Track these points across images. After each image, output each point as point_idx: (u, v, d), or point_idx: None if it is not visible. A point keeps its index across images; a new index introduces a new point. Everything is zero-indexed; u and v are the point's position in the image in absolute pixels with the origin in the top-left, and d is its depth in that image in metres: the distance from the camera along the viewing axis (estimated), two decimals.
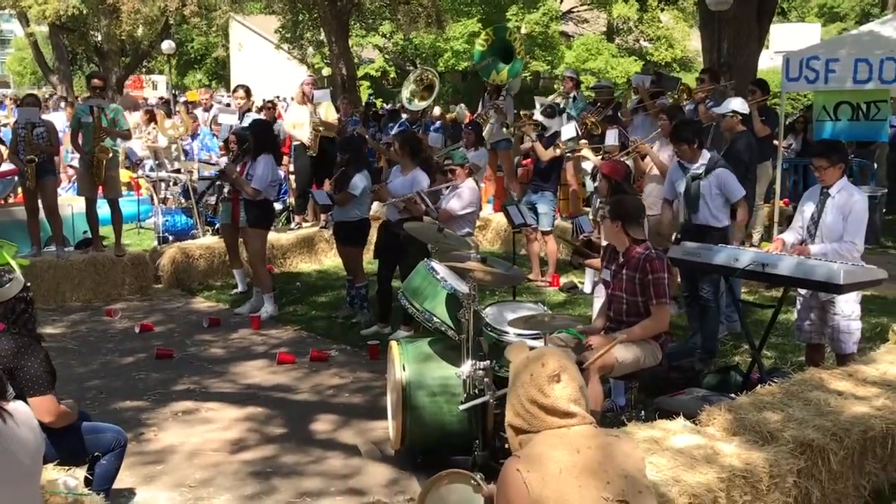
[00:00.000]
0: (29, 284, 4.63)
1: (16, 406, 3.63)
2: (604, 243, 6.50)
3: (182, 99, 24.18)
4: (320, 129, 11.65)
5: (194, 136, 14.78)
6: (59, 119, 15.25)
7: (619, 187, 7.05)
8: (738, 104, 8.32)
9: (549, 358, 3.07)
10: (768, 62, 22.26)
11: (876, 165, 14.65)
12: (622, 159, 8.46)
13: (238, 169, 9.17)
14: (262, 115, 12.55)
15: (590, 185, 11.44)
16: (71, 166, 14.55)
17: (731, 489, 4.36)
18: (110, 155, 9.94)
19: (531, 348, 3.36)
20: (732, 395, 5.70)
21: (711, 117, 9.52)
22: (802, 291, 6.34)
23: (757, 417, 4.99)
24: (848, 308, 6.19)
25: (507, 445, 5.47)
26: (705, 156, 7.48)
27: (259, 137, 9.32)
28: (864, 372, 5.71)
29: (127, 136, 11.06)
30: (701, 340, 7.43)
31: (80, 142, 10.17)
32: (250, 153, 9.18)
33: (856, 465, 4.87)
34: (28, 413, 3.68)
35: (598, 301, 6.88)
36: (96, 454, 4.71)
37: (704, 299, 7.39)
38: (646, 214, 6.38)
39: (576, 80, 13.07)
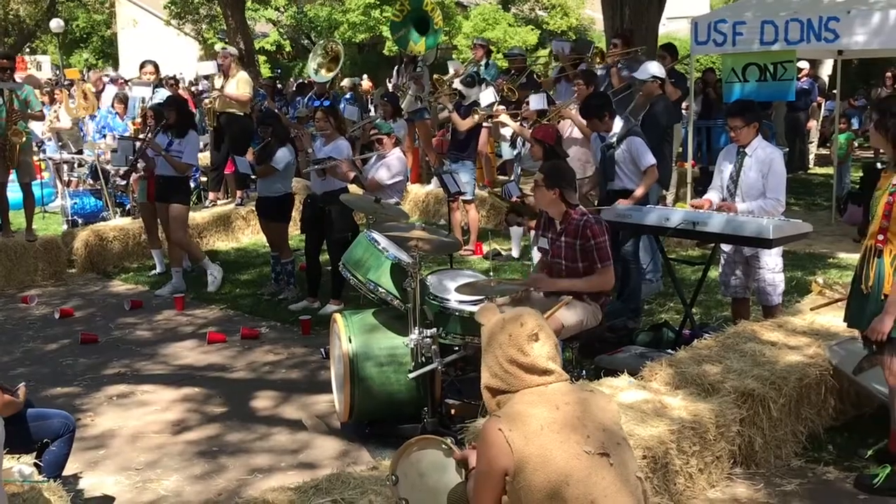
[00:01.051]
0: None
1: None
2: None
3: (66, 81, 23.34)
4: (213, 105, 11.45)
5: (92, 116, 14.33)
6: None
7: (553, 152, 7.13)
8: (655, 69, 8.50)
9: (527, 318, 3.13)
10: (661, 28, 22.70)
11: (774, 125, 15.14)
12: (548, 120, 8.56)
13: None
14: (166, 90, 12.26)
15: (506, 152, 11.57)
16: None
17: (681, 440, 4.52)
18: (24, 139, 9.57)
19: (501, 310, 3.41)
20: (669, 351, 5.89)
21: (624, 81, 9.69)
22: (726, 248, 6.54)
23: (697, 370, 5.17)
24: (772, 262, 6.42)
25: (453, 411, 5.59)
26: (618, 124, 7.62)
27: (182, 114, 9.20)
28: (793, 323, 5.95)
29: (40, 117, 10.68)
30: (626, 299, 7.60)
31: None
32: (172, 129, 9.01)
33: (793, 412, 5.10)
34: None
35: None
36: (45, 441, 4.59)
37: (625, 259, 7.55)
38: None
39: (486, 48, 13.13)
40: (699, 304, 7.82)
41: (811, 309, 6.23)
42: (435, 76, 12.37)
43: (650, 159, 7.35)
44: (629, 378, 5.15)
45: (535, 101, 9.31)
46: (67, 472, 5.03)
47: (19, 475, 4.07)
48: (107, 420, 6.10)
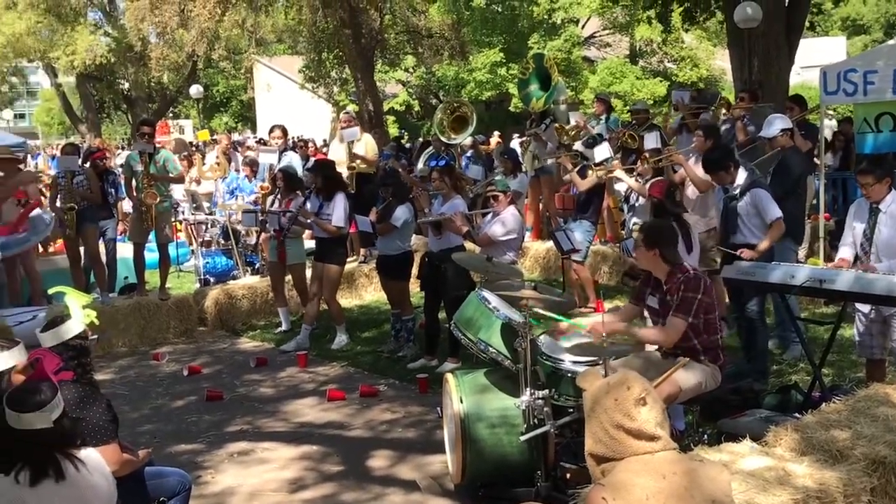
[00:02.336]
0: (93, 337, 4.64)
1: (87, 453, 3.64)
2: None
3: (197, 142, 24.41)
4: (354, 166, 11.69)
5: (223, 178, 14.91)
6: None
7: (663, 208, 6.98)
8: (781, 122, 8.26)
9: (634, 381, 3.04)
10: (795, 77, 22.14)
11: None
12: (659, 164, 8.40)
13: (284, 206, 9.30)
14: (297, 153, 12.64)
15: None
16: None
17: None
18: (157, 200, 10.00)
19: (603, 375, 3.32)
20: (796, 415, 5.61)
21: (749, 136, 9.46)
22: (863, 307, 6.24)
23: (825, 436, 4.89)
24: None
25: (568, 476, 5.45)
26: (741, 175, 7.41)
27: (329, 176, 9.46)
28: None
29: (179, 179, 11.16)
30: (752, 360, 7.33)
31: (133, 189, 10.26)
32: (320, 192, 9.32)
33: None
34: (99, 460, 3.69)
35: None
36: (161, 499, 4.70)
37: (750, 318, 7.29)
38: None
39: (607, 103, 13.05)
40: (832, 364, 7.47)
41: None
42: (556, 125, 12.34)
43: (776, 212, 7.11)
44: (752, 443, 4.91)
45: (650, 140, 9.17)
46: None
47: None
48: (227, 477, 6.21)
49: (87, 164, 10.67)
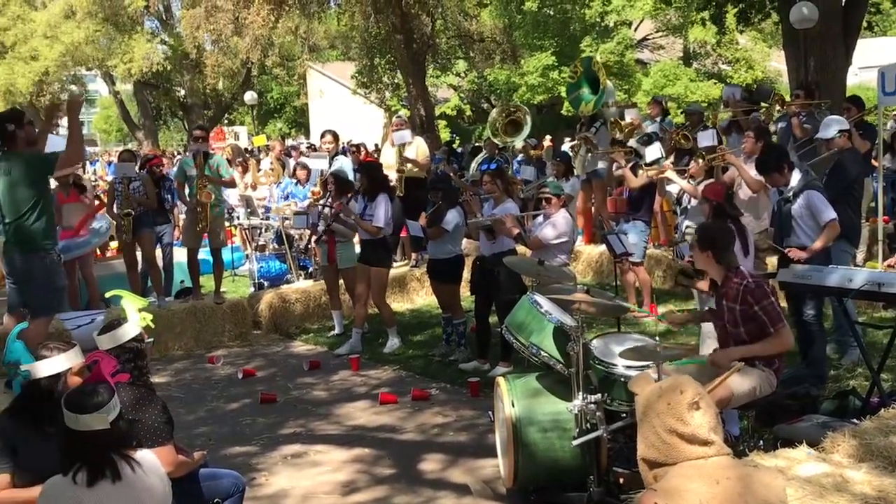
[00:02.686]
0: (149, 339, 4.71)
1: (143, 455, 3.69)
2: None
3: (252, 148, 24.70)
4: (404, 169, 11.73)
5: (277, 183, 15.08)
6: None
7: (722, 210, 6.89)
8: (838, 123, 8.12)
9: (687, 386, 3.02)
10: (853, 78, 21.73)
11: None
12: (712, 163, 8.31)
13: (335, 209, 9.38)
14: (348, 158, 12.72)
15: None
16: None
17: None
18: (212, 198, 10.13)
19: (656, 380, 3.29)
20: (854, 421, 5.50)
21: (806, 133, 9.30)
22: None
23: (884, 442, 4.79)
24: None
25: (621, 480, 5.41)
26: (795, 177, 7.29)
27: (374, 178, 9.50)
28: None
29: (231, 183, 11.30)
30: (809, 365, 7.21)
31: (186, 194, 10.41)
32: (366, 194, 9.37)
33: None
34: (155, 461, 3.74)
35: (707, 328, 6.74)
36: (216, 500, 4.75)
37: (807, 323, 7.17)
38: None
39: (662, 105, 12.94)
40: (891, 369, 7.30)
41: None
42: (612, 119, 12.27)
43: (830, 214, 6.98)
44: (808, 449, 4.83)
45: (704, 138, 9.06)
46: None
47: None
48: (280, 479, 6.26)
49: (144, 171, 10.84)
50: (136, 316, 4.74)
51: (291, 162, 15.19)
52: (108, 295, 5.49)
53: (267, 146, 19.92)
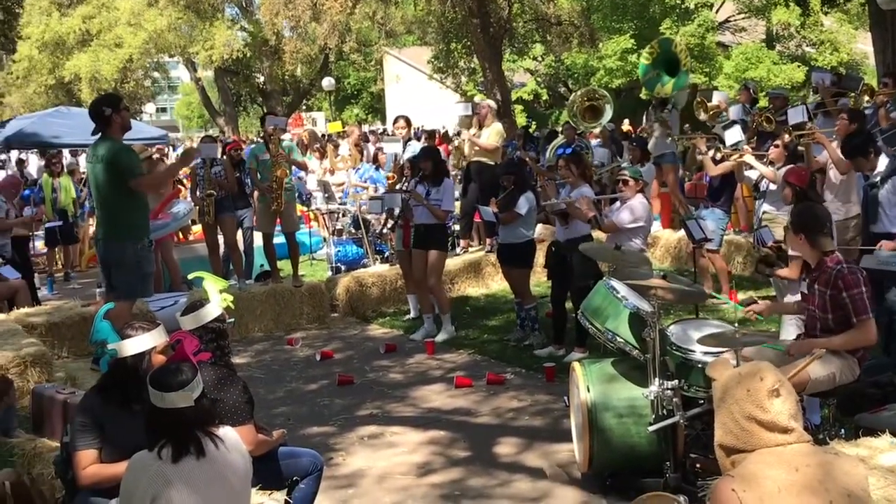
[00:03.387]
0: (231, 320, 4.82)
1: (225, 431, 3.77)
2: (791, 252, 6.26)
3: (328, 133, 24.97)
4: (465, 150, 11.71)
5: (355, 169, 15.22)
6: None
7: (805, 196, 6.75)
8: None
9: (767, 372, 2.98)
10: None
11: None
12: (800, 140, 8.14)
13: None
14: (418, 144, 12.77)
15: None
16: None
17: None
18: (288, 176, 10.25)
19: (735, 366, 3.26)
20: None
21: (891, 121, 9.04)
22: None
23: None
24: None
25: (698, 466, 5.37)
26: (883, 162, 7.11)
27: (437, 163, 9.55)
28: None
29: (303, 165, 11.43)
30: (892, 353, 7.03)
31: (259, 179, 10.57)
32: (428, 179, 9.40)
33: None
34: (237, 438, 3.82)
35: (787, 317, 6.63)
36: (294, 479, 4.85)
37: (890, 310, 6.99)
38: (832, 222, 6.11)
39: (750, 92, 12.71)
40: None
41: None
42: (698, 99, 12.07)
43: None
44: (891, 438, 4.73)
45: (795, 114, 8.85)
46: None
47: None
48: (357, 460, 6.36)
49: (224, 156, 11.04)
50: (217, 297, 4.86)
51: (371, 147, 15.28)
52: (190, 276, 5.63)
53: (343, 132, 20.09)
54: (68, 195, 14.14)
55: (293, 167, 10.68)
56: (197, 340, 4.46)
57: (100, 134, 7.31)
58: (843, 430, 5.46)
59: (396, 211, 9.85)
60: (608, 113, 12.50)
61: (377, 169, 14.01)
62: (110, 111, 7.25)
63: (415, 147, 11.66)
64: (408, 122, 12.52)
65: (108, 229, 7.41)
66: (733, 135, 9.52)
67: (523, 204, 8.64)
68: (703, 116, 11.74)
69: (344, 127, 24.93)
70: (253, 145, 12.99)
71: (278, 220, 10.64)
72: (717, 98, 12.41)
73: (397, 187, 10.38)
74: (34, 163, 21.01)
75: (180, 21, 34.03)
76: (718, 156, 9.63)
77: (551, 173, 10.32)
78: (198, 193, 10.76)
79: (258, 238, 11.24)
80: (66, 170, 15.15)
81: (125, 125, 7.42)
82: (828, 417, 5.74)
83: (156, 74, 43.37)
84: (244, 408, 4.56)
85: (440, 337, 9.39)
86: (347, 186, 14.23)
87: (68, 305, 9.72)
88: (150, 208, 10.36)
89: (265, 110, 36.43)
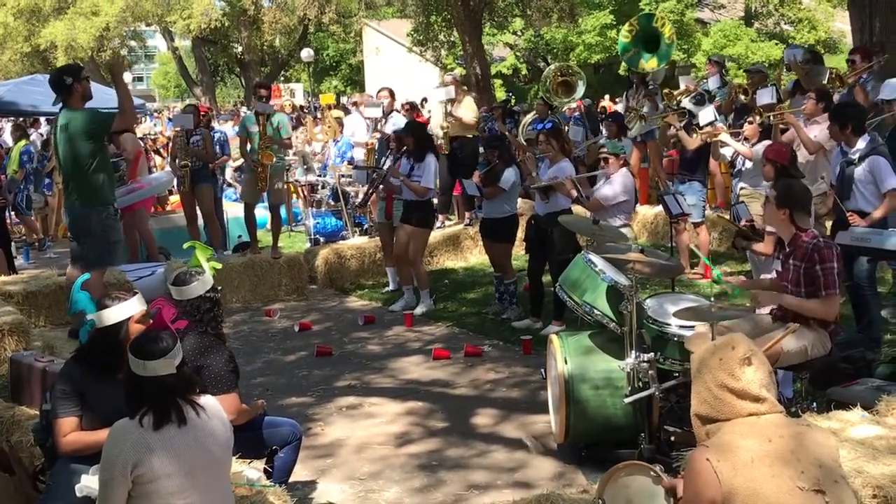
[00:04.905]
0: (219, 287, 4.84)
1: (206, 400, 3.80)
2: (768, 229, 6.32)
3: (315, 104, 24.82)
4: (446, 127, 11.73)
5: (335, 141, 15.14)
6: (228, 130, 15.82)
7: (787, 172, 6.80)
8: None
9: (738, 342, 3.05)
10: None
11: None
12: (770, 121, 8.20)
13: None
14: (403, 115, 12.75)
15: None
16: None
17: None
18: (273, 160, 10.24)
19: (711, 339, 3.32)
20: None
21: (872, 98, 9.11)
22: None
23: None
24: None
25: (672, 439, 5.45)
26: (864, 140, 7.17)
27: (420, 139, 9.54)
28: None
29: (288, 145, 11.43)
30: (864, 329, 7.13)
31: (248, 150, 10.52)
32: (411, 154, 9.38)
33: None
34: (217, 406, 3.85)
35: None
36: (274, 447, 4.89)
37: (862, 286, 7.08)
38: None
39: (720, 64, 12.74)
40: None
41: None
42: (665, 90, 12.13)
43: (892, 182, 6.86)
44: (862, 412, 4.83)
45: (763, 95, 8.92)
46: (297, 478, 5.33)
47: (248, 479, 4.34)
48: (336, 430, 6.40)
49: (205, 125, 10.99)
50: (207, 265, 4.88)
51: (352, 119, 15.17)
52: (185, 246, 5.63)
53: (329, 106, 20.01)
54: (11, 164, 13.60)
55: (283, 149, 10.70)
56: (174, 308, 4.48)
57: (62, 104, 7.32)
58: (814, 404, 5.55)
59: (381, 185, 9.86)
60: (580, 89, 12.55)
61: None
62: (71, 80, 7.26)
63: (397, 119, 11.64)
64: (391, 93, 12.51)
65: (74, 197, 7.42)
66: (707, 114, 9.61)
67: (508, 178, 8.68)
68: (672, 103, 11.74)
69: (337, 100, 24.78)
70: (246, 114, 12.91)
71: (261, 193, 10.61)
72: (685, 82, 12.52)
73: (381, 162, 10.37)
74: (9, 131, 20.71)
75: None
76: (695, 135, 9.70)
77: (530, 147, 10.34)
78: (177, 163, 10.71)
79: (236, 209, 11.22)
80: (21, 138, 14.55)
81: (86, 94, 7.41)
82: (800, 391, 5.83)
83: (132, 43, 42.85)
84: (229, 376, 4.60)
85: (418, 310, 9.42)
86: (328, 158, 14.18)
87: (45, 274, 9.69)
88: (116, 176, 10.39)
89: (243, 81, 36.24)
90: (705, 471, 2.89)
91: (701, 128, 9.61)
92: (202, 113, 11.30)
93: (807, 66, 10.43)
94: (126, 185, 10.31)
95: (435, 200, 12.26)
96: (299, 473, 5.41)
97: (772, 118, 8.76)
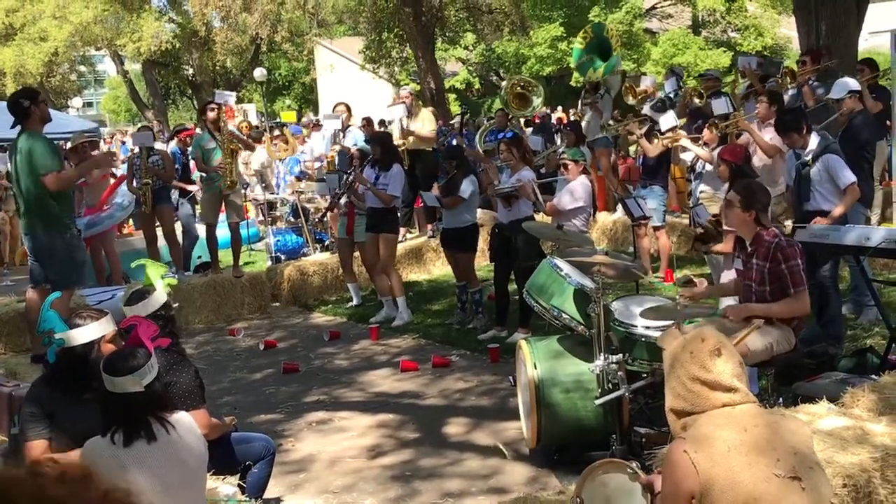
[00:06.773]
0: (175, 304, 4.80)
1: (179, 416, 3.77)
2: (727, 228, 6.42)
3: (270, 123, 24.73)
4: (404, 142, 11.77)
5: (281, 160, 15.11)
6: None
7: (742, 172, 6.91)
8: (851, 83, 8.13)
9: (708, 335, 3.10)
10: (863, 43, 21.47)
11: None
12: (727, 130, 8.32)
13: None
14: (361, 131, 12.76)
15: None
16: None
17: (886, 469, 4.25)
18: (237, 186, 10.21)
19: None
20: (873, 377, 5.57)
21: (817, 99, 9.30)
22: None
23: None
24: None
25: (643, 440, 5.49)
26: (814, 141, 7.30)
27: (387, 148, 9.57)
28: None
29: (250, 145, 11.40)
30: (825, 325, 7.25)
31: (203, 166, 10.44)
32: (378, 163, 9.42)
33: None
34: (191, 422, 3.82)
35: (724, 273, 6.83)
36: (247, 463, 4.86)
37: (823, 283, 7.21)
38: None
39: (678, 75, 12.94)
40: None
41: None
42: (626, 84, 12.27)
43: (849, 177, 6.99)
44: (829, 404, 4.91)
45: (719, 106, 9.06)
46: (270, 494, 5.29)
47: (224, 495, 4.31)
48: (307, 445, 6.37)
49: (174, 142, 10.90)
50: (160, 283, 4.84)
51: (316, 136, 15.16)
52: (133, 265, 5.57)
53: (285, 124, 19.94)
54: None
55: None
56: (155, 326, 4.44)
57: (20, 127, 7.27)
58: (781, 399, 5.63)
59: (343, 201, 9.84)
60: (536, 103, 12.68)
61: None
62: (28, 103, 7.22)
63: (355, 133, 11.65)
64: (348, 108, 12.53)
65: (32, 221, 7.36)
66: (668, 120, 9.74)
67: (467, 188, 8.72)
68: (631, 101, 11.94)
69: (299, 119, 24.71)
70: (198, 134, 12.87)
71: (222, 210, 10.54)
72: (645, 83, 12.66)
73: (346, 174, 10.38)
74: None
75: (106, 13, 33.31)
76: (656, 141, 9.82)
77: (489, 158, 10.41)
78: (134, 183, 10.61)
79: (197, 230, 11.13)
80: None
81: (44, 117, 7.38)
82: (766, 387, 5.92)
83: (82, 68, 42.44)
84: (197, 392, 4.57)
85: (396, 322, 9.42)
86: (283, 176, 14.14)
87: (3, 301, 9.52)
88: (92, 201, 10.31)
89: (195, 103, 35.99)
90: (683, 462, 2.92)
91: (662, 133, 9.74)
92: (189, 135, 11.28)
93: (759, 71, 10.65)
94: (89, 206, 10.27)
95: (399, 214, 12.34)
96: (272, 489, 5.38)
97: (729, 127, 8.88)
